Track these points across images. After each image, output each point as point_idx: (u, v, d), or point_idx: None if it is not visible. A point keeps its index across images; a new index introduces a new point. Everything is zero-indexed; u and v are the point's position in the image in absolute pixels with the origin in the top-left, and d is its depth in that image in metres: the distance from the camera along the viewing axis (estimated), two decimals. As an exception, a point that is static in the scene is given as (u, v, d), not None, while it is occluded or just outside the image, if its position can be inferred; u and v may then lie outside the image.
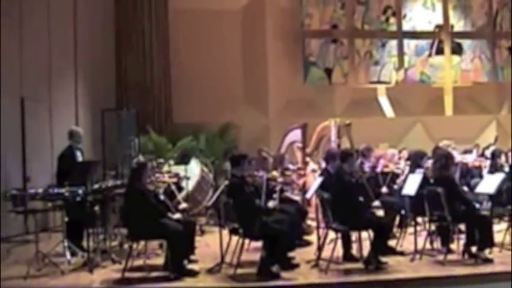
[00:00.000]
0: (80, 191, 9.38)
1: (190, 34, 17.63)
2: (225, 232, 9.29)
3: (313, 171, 12.76)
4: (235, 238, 9.10)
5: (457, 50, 20.61)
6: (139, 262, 9.35)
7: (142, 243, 9.56)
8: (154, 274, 8.87)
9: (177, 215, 9.23)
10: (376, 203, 10.84)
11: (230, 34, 18.33)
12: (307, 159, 13.20)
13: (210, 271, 9.00)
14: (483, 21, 20.95)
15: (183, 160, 12.69)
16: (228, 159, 10.78)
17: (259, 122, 18.00)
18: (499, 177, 9.95)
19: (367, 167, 11.60)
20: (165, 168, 11.68)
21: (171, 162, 12.64)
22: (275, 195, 10.05)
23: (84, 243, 9.66)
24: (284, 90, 18.70)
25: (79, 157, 10.85)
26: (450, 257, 9.32)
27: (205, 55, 17.68)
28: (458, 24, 20.70)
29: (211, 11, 17.92)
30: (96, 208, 9.75)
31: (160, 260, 9.31)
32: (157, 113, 17.07)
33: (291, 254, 9.13)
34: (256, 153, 12.22)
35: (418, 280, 8.47)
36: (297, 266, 9.06)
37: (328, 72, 19.43)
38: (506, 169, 10.95)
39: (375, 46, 19.98)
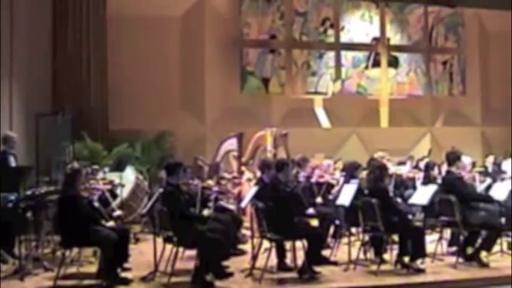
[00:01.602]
0: (12, 197, 9.25)
1: (128, 40, 17.48)
2: (160, 240, 9.24)
3: (249, 180, 12.78)
4: (169, 246, 9.06)
5: (393, 63, 20.88)
6: (72, 270, 9.27)
7: (75, 250, 9.47)
8: (87, 282, 8.79)
9: (111, 223, 9.17)
10: (311, 212, 10.89)
11: (168, 41, 18.24)
12: (243, 168, 13.23)
13: (144, 279, 8.94)
14: (419, 35, 21.28)
15: (118, 167, 12.61)
16: (163, 167, 10.72)
17: (195, 130, 17.94)
18: (431, 189, 10.12)
19: (302, 177, 11.68)
20: (100, 175, 11.59)
21: (106, 169, 12.54)
22: (210, 204, 10.05)
23: (16, 250, 9.51)
24: (221, 98, 18.69)
25: (12, 162, 10.69)
26: (383, 267, 9.43)
27: (143, 62, 17.56)
28: (394, 37, 20.98)
29: (150, 17, 17.80)
30: (29, 214, 9.58)
31: (93, 268, 9.22)
32: (93, 119, 16.86)
33: (225, 263, 9.12)
34: (192, 162, 12.21)
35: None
36: (231, 274, 9.05)
37: (266, 81, 19.46)
38: (439, 181, 11.11)
39: (312, 57, 20.10)
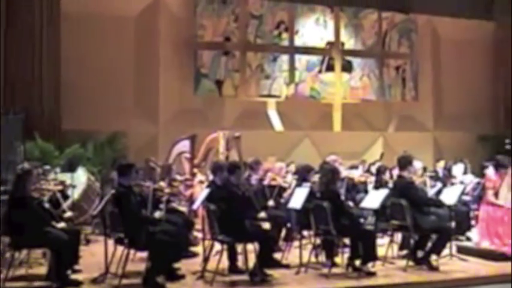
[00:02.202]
0: (-40, 197, 9.11)
1: (82, 40, 17.29)
2: (111, 242, 9.16)
3: (201, 182, 12.74)
4: (120, 248, 8.99)
5: (347, 67, 21.00)
6: (21, 271, 9.15)
7: (25, 251, 9.35)
8: (36, 284, 8.68)
9: (62, 224, 9.07)
10: (263, 215, 10.89)
11: (123, 41, 18.12)
12: (195, 170, 13.18)
13: (94, 281, 8.86)
14: (373, 40, 21.44)
15: (70, 168, 12.50)
16: (115, 168, 10.64)
17: (148, 132, 17.86)
18: (383, 192, 10.18)
19: (254, 179, 11.67)
20: (51, 175, 11.44)
21: (58, 169, 12.41)
22: (162, 206, 9.97)
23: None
24: (175, 100, 18.63)
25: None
26: (334, 270, 9.45)
27: (97, 62, 17.40)
28: (349, 42, 21.11)
29: (105, 16, 17.67)
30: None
31: (43, 270, 9.11)
32: (45, 118, 16.68)
33: (176, 265, 9.08)
34: (144, 163, 12.14)
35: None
36: (182, 277, 9.02)
37: (219, 84, 19.45)
38: (390, 185, 11.19)
39: (266, 60, 20.13)
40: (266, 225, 10.93)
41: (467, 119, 21.35)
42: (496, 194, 10.72)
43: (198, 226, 11.34)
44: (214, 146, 13.57)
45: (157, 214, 9.43)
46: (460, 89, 21.72)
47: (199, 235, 10.90)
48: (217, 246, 9.40)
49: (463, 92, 21.69)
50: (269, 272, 9.01)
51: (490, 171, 11.42)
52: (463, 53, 21.80)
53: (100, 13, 17.62)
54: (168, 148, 13.75)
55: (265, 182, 11.82)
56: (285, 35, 20.40)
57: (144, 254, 9.07)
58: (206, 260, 9.30)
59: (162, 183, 10.82)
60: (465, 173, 14.99)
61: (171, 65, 18.80)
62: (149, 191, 9.45)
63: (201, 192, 10.01)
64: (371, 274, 9.20)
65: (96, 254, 10.61)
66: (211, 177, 10.54)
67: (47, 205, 9.48)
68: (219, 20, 19.58)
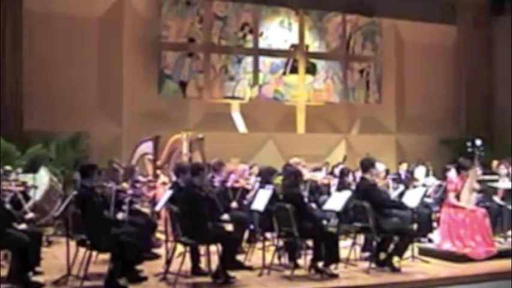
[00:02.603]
0: None
1: (45, 39, 17.14)
2: (73, 243, 9.09)
3: (164, 184, 12.72)
4: (82, 250, 8.93)
5: (311, 69, 21.06)
6: (-19, 273, 9.04)
7: (-16, 253, 9.25)
8: (-4, 286, 8.59)
9: (23, 225, 9.00)
10: (226, 217, 10.88)
11: (87, 41, 17.97)
12: (158, 171, 13.15)
13: (56, 283, 8.79)
14: (337, 43, 21.52)
15: (32, 169, 12.36)
16: (78, 169, 10.57)
17: (112, 133, 17.75)
18: (345, 195, 10.23)
19: (217, 181, 11.67)
20: (13, 176, 11.32)
21: (19, 170, 12.27)
22: (124, 207, 9.93)
23: None
24: (138, 101, 18.53)
25: None
26: (297, 272, 9.48)
27: (60, 61, 17.26)
28: (313, 44, 21.17)
29: (69, 16, 17.52)
30: None
31: (4, 272, 9.00)
32: (6, 118, 16.48)
33: (139, 267, 9.04)
34: (107, 164, 12.08)
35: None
36: (145, 279, 8.98)
37: (183, 85, 19.40)
38: (353, 187, 11.24)
39: (230, 62, 20.12)
40: (229, 227, 10.94)
41: (430, 122, 21.53)
42: (458, 197, 10.83)
43: (161, 228, 11.30)
44: (177, 148, 13.56)
45: (120, 215, 9.38)
46: (422, 92, 21.90)
47: (162, 237, 10.87)
48: (180, 248, 9.37)
49: (425, 95, 21.88)
50: (232, 273, 9.01)
51: (452, 173, 11.53)
52: (426, 56, 22.00)
53: (64, 12, 17.48)
54: (132, 149, 13.70)
55: (228, 184, 11.81)
56: (249, 37, 20.41)
57: (106, 256, 9.02)
58: (169, 261, 9.27)
59: (125, 185, 10.77)
60: (427, 175, 15.10)
61: (135, 65, 18.72)
62: (112, 192, 9.39)
63: (164, 194, 9.98)
64: (333, 276, 9.24)
65: (58, 255, 10.53)
66: (174, 178, 10.54)
67: (8, 206, 9.38)
68: (183, 21, 19.54)
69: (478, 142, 11.28)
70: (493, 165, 14.84)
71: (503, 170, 13.78)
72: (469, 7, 22.59)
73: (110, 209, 9.06)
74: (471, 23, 22.60)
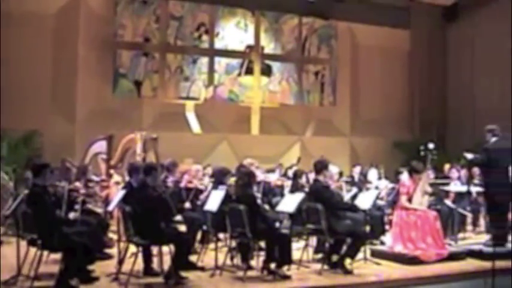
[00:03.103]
0: None
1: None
2: (23, 243, 8.98)
3: (117, 183, 12.63)
4: (33, 249, 8.81)
5: (266, 71, 21.11)
6: None
7: None
8: None
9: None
10: (179, 218, 10.86)
11: (41, 38, 17.83)
12: (111, 171, 13.06)
13: (6, 284, 8.66)
14: (293, 45, 21.61)
15: (-18, 167, 12.23)
16: (30, 167, 10.45)
17: (65, 131, 17.60)
18: (299, 196, 10.23)
19: (170, 181, 11.62)
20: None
21: (-31, 168, 12.15)
22: (77, 207, 9.85)
23: None
24: (92, 100, 18.42)
25: None
26: (250, 273, 9.46)
27: (14, 58, 17.08)
28: (268, 46, 21.23)
29: (23, 13, 17.35)
30: None
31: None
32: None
33: (90, 267, 8.95)
34: (59, 163, 11.96)
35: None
36: (96, 279, 8.89)
37: (138, 85, 19.34)
38: (307, 189, 11.27)
39: (186, 62, 20.10)
40: (182, 228, 10.90)
41: (384, 125, 21.71)
42: (410, 199, 10.91)
43: (113, 227, 11.22)
44: (131, 147, 13.48)
45: (72, 215, 9.30)
46: (377, 95, 22.09)
47: (115, 237, 10.79)
48: (133, 248, 9.30)
49: (380, 98, 22.07)
50: (184, 274, 8.97)
51: (404, 176, 11.64)
52: (381, 60, 22.20)
53: (17, 9, 17.30)
54: (85, 148, 13.59)
55: (182, 184, 11.76)
56: (205, 37, 20.40)
57: (57, 256, 8.92)
58: (121, 262, 9.20)
59: (78, 184, 10.70)
60: (379, 178, 15.20)
61: (90, 64, 18.60)
62: (64, 192, 9.31)
63: (117, 194, 9.92)
64: (286, 277, 9.23)
65: (8, 255, 10.38)
66: (127, 178, 10.46)
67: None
68: (139, 20, 19.47)
69: (431, 145, 11.38)
70: (445, 168, 15.03)
71: (454, 173, 13.98)
72: (424, 13, 22.87)
73: (62, 209, 8.98)
74: (425, 28, 22.89)
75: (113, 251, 10.46)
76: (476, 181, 13.53)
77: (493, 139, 11.16)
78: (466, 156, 11.41)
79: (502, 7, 21.03)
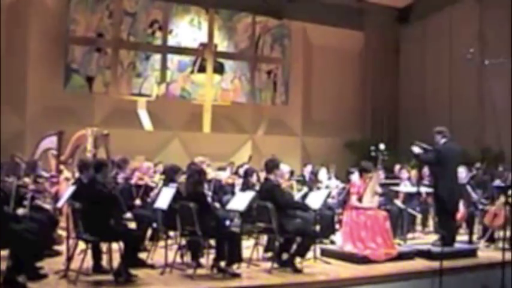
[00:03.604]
0: None
1: None
2: (-31, 239, 8.86)
3: (67, 179, 12.52)
4: (-21, 246, 8.71)
5: (219, 69, 21.12)
6: None
7: None
8: None
9: None
10: (129, 215, 10.80)
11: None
12: (61, 167, 12.93)
13: (-50, 280, 8.55)
14: (246, 44, 21.64)
15: None
16: (-23, 163, 10.30)
17: (15, 126, 17.40)
18: (249, 195, 10.24)
19: (121, 178, 11.55)
20: None
21: None
22: (25, 203, 9.74)
23: None
24: (43, 95, 18.24)
25: None
26: (199, 271, 9.44)
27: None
28: (222, 44, 21.23)
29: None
30: None
31: None
32: None
33: (39, 264, 8.86)
34: (9, 158, 11.81)
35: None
36: (45, 276, 8.80)
37: (90, 80, 19.21)
38: (257, 188, 11.28)
39: (138, 58, 20.02)
40: (132, 225, 10.84)
41: (335, 125, 21.86)
42: (360, 199, 10.98)
43: (63, 224, 11.11)
44: (82, 143, 13.35)
45: (21, 211, 9.21)
46: (329, 96, 22.22)
47: (64, 233, 10.70)
48: (82, 245, 9.23)
49: (332, 98, 22.21)
50: (134, 272, 8.92)
51: (355, 176, 11.73)
52: (334, 60, 22.34)
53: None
54: (35, 144, 13.44)
55: (132, 181, 11.69)
56: (158, 34, 20.34)
57: (5, 252, 8.81)
58: (70, 259, 9.11)
59: (27, 180, 10.56)
60: (330, 178, 15.29)
61: (41, 58, 18.42)
62: (13, 187, 9.19)
63: (67, 190, 9.82)
64: (236, 275, 9.24)
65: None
66: (77, 174, 10.37)
67: None
68: (92, 15, 19.34)
69: (381, 146, 11.46)
70: (395, 169, 15.16)
71: (404, 174, 14.12)
72: (377, 15, 23.06)
73: (10, 204, 8.86)
74: (378, 30, 23.08)
75: (62, 247, 10.36)
76: (425, 182, 13.69)
77: (443, 140, 11.27)
78: (413, 149, 11.48)
79: (452, 11, 21.39)
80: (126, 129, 18.25)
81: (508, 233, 11.51)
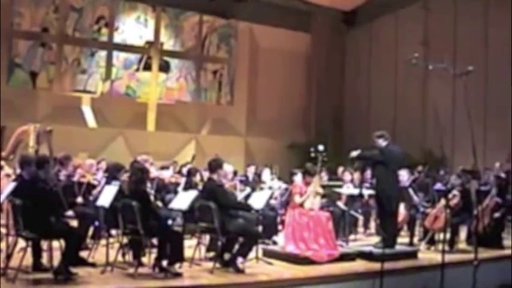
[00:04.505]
0: None
1: None
2: None
3: (8, 176, 12.34)
4: None
5: (165, 67, 21.08)
6: None
7: None
8: None
9: None
10: (70, 212, 10.69)
11: None
12: (2, 163, 12.75)
13: None
14: (192, 43, 21.64)
15: None
16: None
17: (-45, 121, 17.13)
18: (192, 194, 10.26)
19: (63, 175, 11.43)
20: None
21: None
22: (-35, 199, 9.58)
23: None
24: (-15, 90, 17.99)
25: None
26: (141, 270, 9.39)
27: None
28: (168, 42, 21.19)
29: None
30: None
31: None
32: None
33: (-24, 262, 8.75)
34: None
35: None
36: (-18, 273, 8.70)
37: (34, 76, 19.01)
38: (200, 187, 11.28)
39: (84, 54, 19.87)
40: (73, 223, 10.74)
41: (280, 126, 21.95)
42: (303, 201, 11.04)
43: (2, 221, 10.95)
44: (24, 139, 13.18)
45: (-41, 208, 9.06)
46: (274, 97, 22.30)
47: (3, 230, 10.55)
48: (22, 243, 9.12)
49: (277, 99, 22.29)
50: (74, 270, 8.83)
51: (298, 177, 11.77)
52: (280, 61, 22.43)
53: None
54: (-25, 139, 13.27)
55: (75, 179, 11.59)
56: (104, 31, 20.22)
57: None
58: (9, 256, 8.99)
59: (-34, 175, 10.41)
60: (273, 178, 15.33)
61: (-16, 52, 18.16)
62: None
63: (7, 186, 9.69)
64: (177, 275, 9.21)
65: None
66: (18, 170, 10.24)
67: None
68: (37, 9, 19.14)
69: (321, 148, 11.54)
70: (339, 171, 15.29)
71: (347, 176, 14.24)
72: (324, 17, 23.22)
73: None
74: (325, 32, 23.25)
75: (2, 245, 10.23)
76: (367, 184, 13.82)
77: (384, 143, 11.38)
78: (351, 155, 11.60)
79: (398, 16, 21.67)
80: (70, 125, 18.09)
81: (448, 236, 11.69)
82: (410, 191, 12.96)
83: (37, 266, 9.21)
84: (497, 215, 12.88)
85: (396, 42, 21.84)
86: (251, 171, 15.91)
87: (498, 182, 13.64)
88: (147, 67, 20.82)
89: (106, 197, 9.62)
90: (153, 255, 9.59)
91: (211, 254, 10.61)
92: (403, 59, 19.03)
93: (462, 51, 19.39)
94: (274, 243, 12.06)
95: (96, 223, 10.58)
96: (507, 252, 12.39)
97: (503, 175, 15.18)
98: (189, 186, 12.05)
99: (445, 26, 20.42)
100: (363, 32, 23.51)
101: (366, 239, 13.59)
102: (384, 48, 22.44)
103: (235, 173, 14.43)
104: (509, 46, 18.58)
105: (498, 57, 18.93)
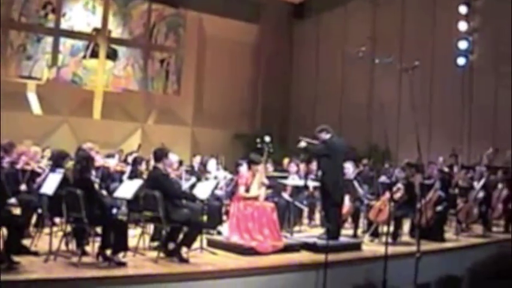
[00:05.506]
0: None
1: None
2: None
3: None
4: None
5: (112, 55, 20.94)
6: None
7: None
8: None
9: None
10: (13, 200, 10.58)
11: None
12: None
13: None
14: (140, 31, 21.52)
15: None
16: None
17: None
18: (137, 183, 10.22)
19: (6, 162, 11.30)
20: None
21: None
22: None
23: None
24: None
25: None
26: (85, 259, 9.32)
27: None
28: (116, 30, 21.05)
29: None
30: None
31: None
32: None
33: None
34: None
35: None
36: None
37: (-23, 62, 18.74)
38: (145, 176, 11.25)
39: (30, 40, 19.64)
40: (16, 211, 10.63)
41: (226, 116, 21.98)
42: (248, 190, 11.08)
43: None
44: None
45: None
46: (221, 87, 22.32)
47: None
48: (-37, 231, 9.02)
49: (224, 90, 22.32)
50: (17, 259, 8.75)
51: (243, 168, 11.82)
52: (228, 52, 22.44)
53: None
54: None
55: (19, 166, 11.46)
56: (51, 17, 20.00)
57: None
58: (-51, 244, 8.89)
59: None
60: (218, 169, 15.35)
61: None
62: None
63: None
64: (121, 264, 9.17)
65: None
66: (-40, 158, 10.12)
67: None
68: (-19, -8, 18.84)
69: (267, 138, 11.60)
70: (284, 162, 15.36)
71: (293, 167, 14.32)
72: (273, 9, 23.29)
73: None
74: (273, 24, 23.30)
75: None
76: (313, 176, 13.91)
77: (327, 136, 11.46)
78: (300, 145, 11.64)
79: (346, 9, 21.86)
80: (15, 112, 17.89)
81: (391, 228, 11.83)
82: (355, 183, 13.07)
83: (-23, 254, 9.10)
84: (439, 208, 13.08)
85: (344, 35, 22.00)
86: (197, 161, 15.91)
87: (441, 176, 13.86)
88: (94, 54, 20.66)
89: (50, 184, 9.54)
90: (97, 244, 9.53)
91: (156, 243, 10.59)
92: (351, 52, 19.25)
93: (409, 46, 19.62)
94: (219, 233, 12.08)
95: (40, 211, 10.49)
96: (449, 244, 12.64)
97: (446, 169, 15.44)
98: (134, 175, 12.00)
99: (393, 21, 20.62)
100: (311, 25, 23.63)
101: (311, 231, 13.66)
102: (331, 42, 22.58)
103: (180, 163, 14.40)
104: (454, 42, 18.90)
105: (444, 53, 19.18)
